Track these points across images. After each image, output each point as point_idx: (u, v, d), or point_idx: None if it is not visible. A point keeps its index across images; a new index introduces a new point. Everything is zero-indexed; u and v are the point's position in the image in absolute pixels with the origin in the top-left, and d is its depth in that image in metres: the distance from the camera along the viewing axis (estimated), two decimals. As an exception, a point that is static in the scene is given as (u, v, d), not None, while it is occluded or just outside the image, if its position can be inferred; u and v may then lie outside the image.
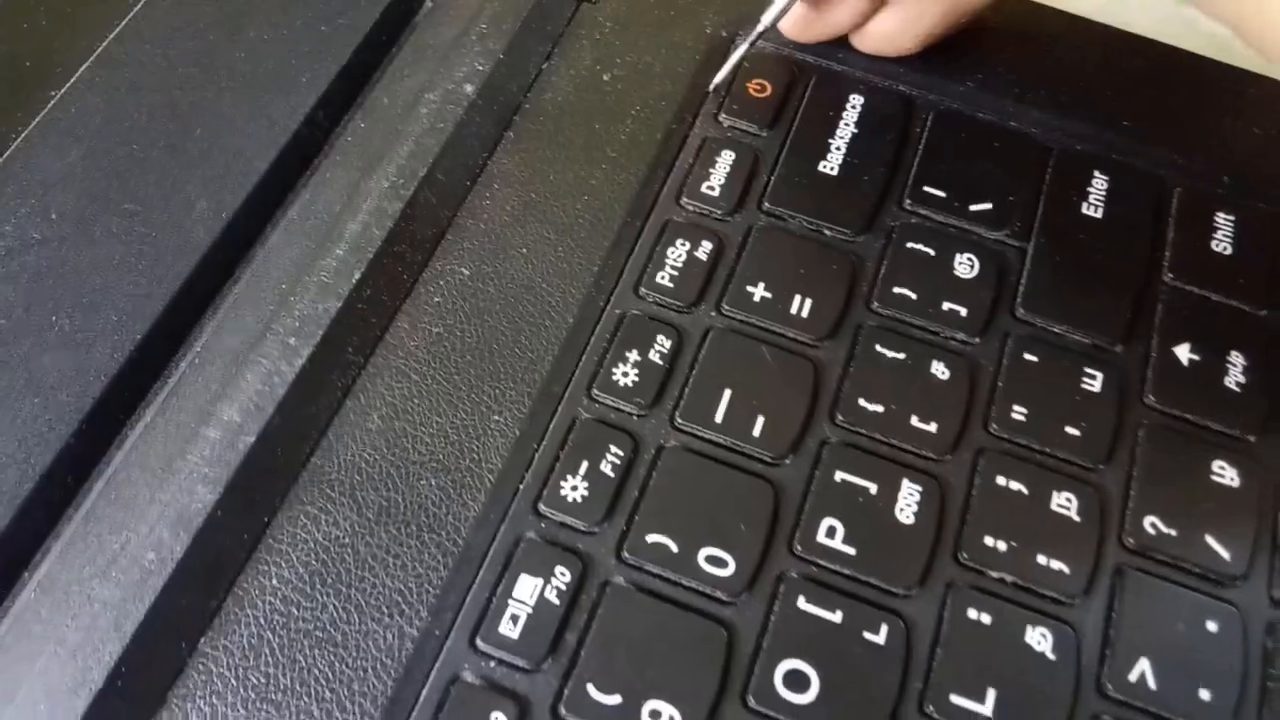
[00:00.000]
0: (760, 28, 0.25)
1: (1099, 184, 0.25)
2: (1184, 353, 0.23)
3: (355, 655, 0.19)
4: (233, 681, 0.19)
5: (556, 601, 0.19)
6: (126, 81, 0.25)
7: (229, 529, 0.19)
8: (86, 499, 0.20)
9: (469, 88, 0.25)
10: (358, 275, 0.22)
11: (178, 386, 0.21)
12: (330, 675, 0.19)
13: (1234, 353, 0.23)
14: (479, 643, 0.19)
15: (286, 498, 0.20)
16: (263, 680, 0.19)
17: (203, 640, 0.19)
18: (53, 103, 0.24)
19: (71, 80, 0.24)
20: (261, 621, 0.19)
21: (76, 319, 0.22)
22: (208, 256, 0.23)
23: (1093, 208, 0.25)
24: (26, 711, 0.18)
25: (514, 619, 0.19)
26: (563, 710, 0.18)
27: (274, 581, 0.19)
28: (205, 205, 0.24)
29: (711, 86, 0.26)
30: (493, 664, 0.19)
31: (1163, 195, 0.25)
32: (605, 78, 0.26)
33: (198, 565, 0.19)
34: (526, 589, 0.19)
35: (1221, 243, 0.24)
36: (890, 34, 0.26)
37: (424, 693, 0.18)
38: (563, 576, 0.19)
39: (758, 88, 0.26)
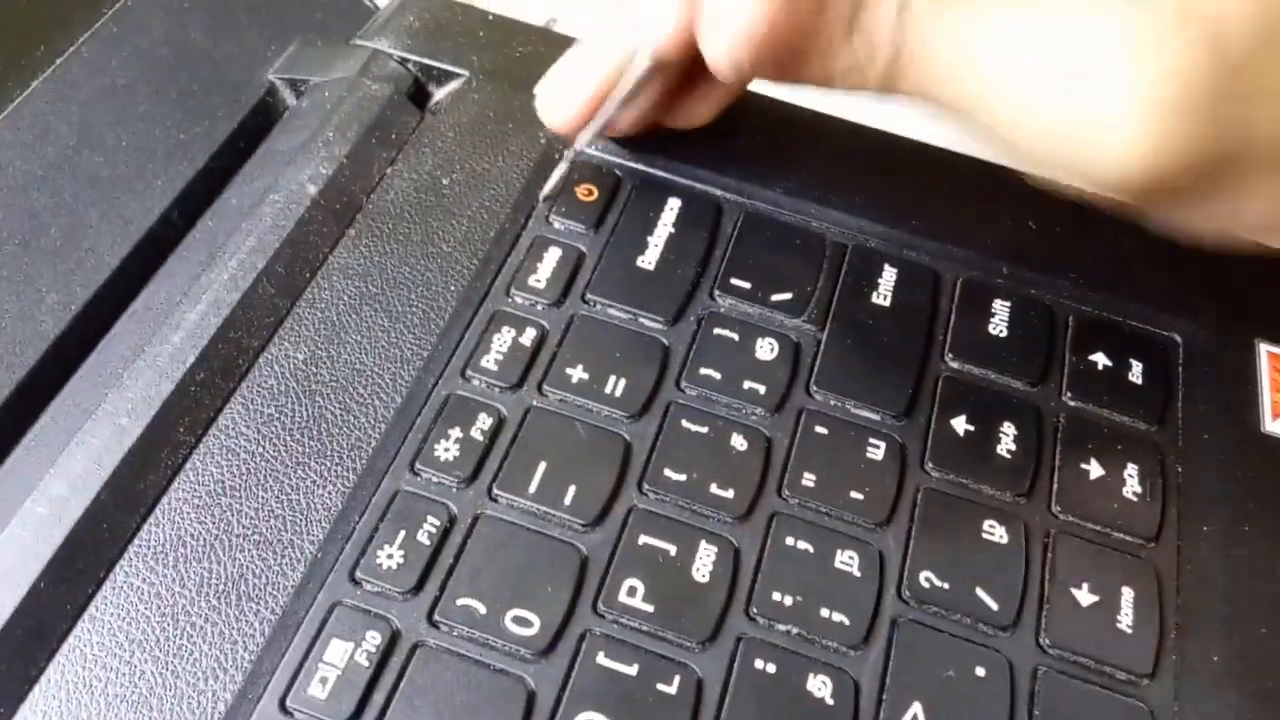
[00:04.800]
0: (577, 146, 0.28)
1: (888, 276, 0.28)
2: (960, 424, 0.25)
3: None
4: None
5: (365, 664, 0.20)
6: (-17, 182, 0.26)
7: (52, 599, 0.20)
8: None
9: (312, 188, 0.27)
10: (191, 359, 0.23)
11: (10, 465, 0.22)
12: (142, 738, 0.19)
13: (1006, 424, 0.26)
14: (288, 703, 0.20)
15: (112, 569, 0.21)
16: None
17: (22, 706, 0.20)
18: (-94, 201, 0.25)
19: (-73, 181, 0.25)
20: (81, 687, 0.20)
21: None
22: (54, 345, 0.24)
23: (882, 297, 0.27)
24: None
25: (323, 680, 0.20)
26: (366, 765, 0.19)
27: (94, 650, 0.20)
28: (55, 298, 0.25)
29: (542, 196, 0.28)
30: (302, 724, 0.20)
31: (942, 285, 0.28)
32: (445, 181, 0.29)
33: (19, 634, 0.20)
34: (337, 653, 0.20)
35: (997, 326, 0.27)
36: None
37: (234, 754, 0.19)
38: (373, 640, 0.21)
39: (585, 192, 0.29)
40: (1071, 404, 0.26)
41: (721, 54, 0.23)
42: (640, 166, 0.29)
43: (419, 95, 0.31)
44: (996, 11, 0.21)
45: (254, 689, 0.20)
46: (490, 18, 0.33)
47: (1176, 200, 0.22)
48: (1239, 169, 0.20)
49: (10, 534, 0.21)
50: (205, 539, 0.22)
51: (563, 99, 0.27)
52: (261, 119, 0.30)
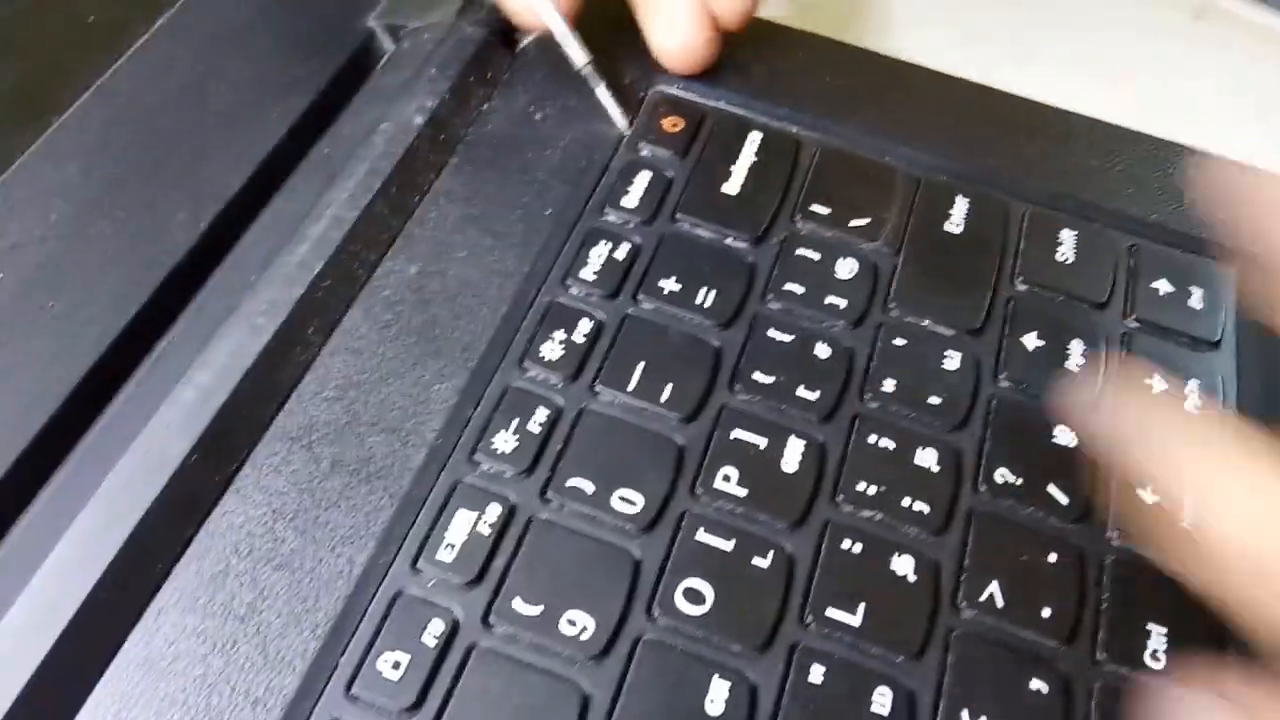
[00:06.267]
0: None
1: (959, 206, 0.29)
2: (1030, 339, 0.27)
3: (310, 578, 0.22)
4: (202, 599, 0.21)
5: (487, 533, 0.22)
6: (121, 110, 0.28)
7: (201, 473, 0.22)
8: (79, 445, 0.23)
9: (418, 120, 0.28)
10: (318, 268, 0.25)
11: (160, 356, 0.24)
12: (288, 593, 0.21)
13: (1073, 340, 0.27)
14: (420, 565, 0.22)
15: (253, 450, 0.23)
16: (228, 598, 0.21)
17: (177, 566, 0.22)
18: (55, 125, 0.27)
19: (73, 107, 0.28)
20: (229, 550, 0.22)
21: (70, 304, 0.25)
22: (186, 256, 0.26)
23: (954, 225, 0.29)
24: (18, 620, 0.20)
25: (450, 547, 0.22)
26: (491, 619, 0.21)
27: (240, 518, 0.22)
28: (185, 215, 0.27)
29: (626, 129, 0.30)
30: (431, 584, 0.22)
31: (1010, 216, 0.29)
32: (537, 116, 0.30)
33: (173, 501, 0.22)
34: (462, 523, 0.22)
35: (1064, 254, 0.29)
36: None
37: (371, 606, 0.21)
38: (494, 512, 0.22)
39: (672, 124, 0.30)
40: (1135, 325, 0.27)
41: None
42: (724, 105, 0.31)
43: (509, 39, 0.33)
44: None
45: (385, 554, 0.22)
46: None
47: None
48: None
49: (160, 416, 0.23)
50: (335, 425, 0.24)
51: None
52: (363, 60, 0.32)
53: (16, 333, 0.24)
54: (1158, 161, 0.31)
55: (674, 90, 0.31)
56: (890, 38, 0.39)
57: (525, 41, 0.33)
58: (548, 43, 0.32)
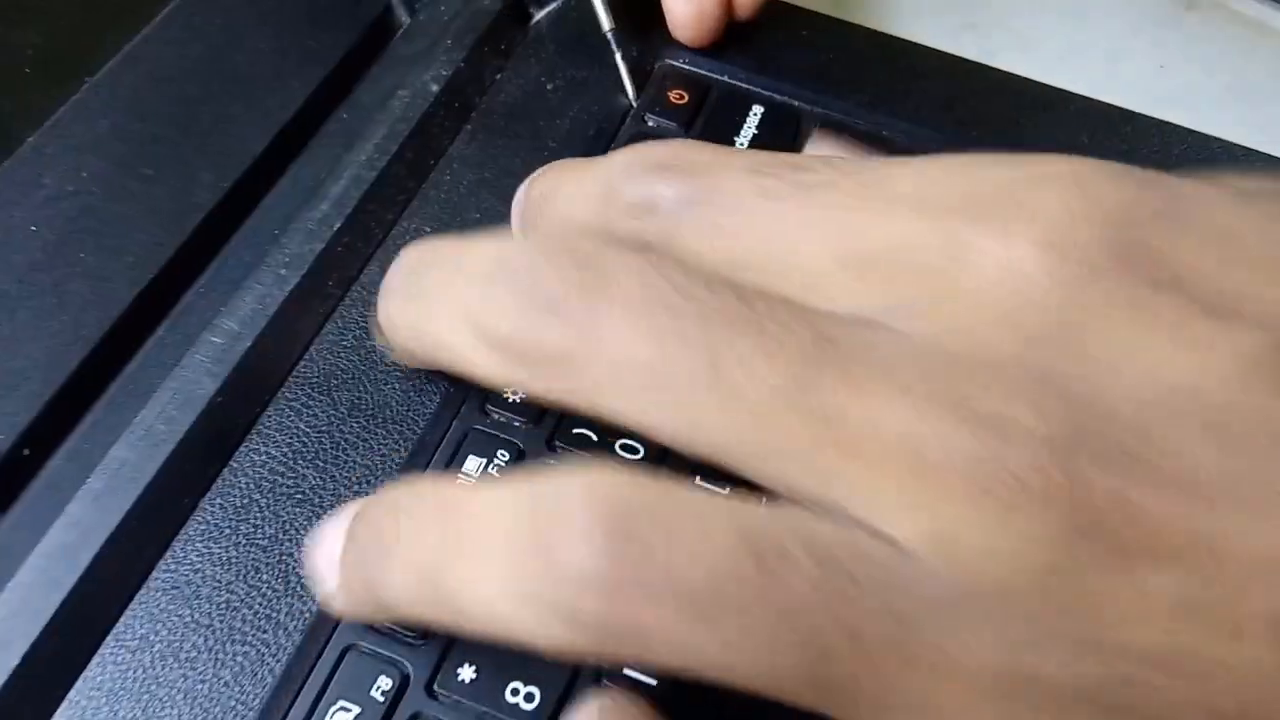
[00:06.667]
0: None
1: (952, 178, 0.30)
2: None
3: (329, 511, 0.23)
4: (227, 530, 0.22)
5: (496, 476, 0.23)
6: (148, 74, 0.29)
7: (227, 412, 0.24)
8: (111, 385, 0.24)
9: (434, 87, 0.30)
10: (338, 224, 0.26)
11: (187, 304, 0.25)
12: (308, 526, 0.23)
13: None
14: (432, 503, 0.23)
15: (276, 393, 0.24)
16: (251, 530, 0.22)
17: (204, 499, 0.23)
18: (86, 85, 0.28)
19: (103, 69, 0.29)
20: (252, 486, 0.23)
21: (100, 256, 0.26)
22: (212, 211, 0.27)
23: (947, 196, 0.30)
24: (55, 542, 0.21)
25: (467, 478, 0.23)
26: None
27: (263, 456, 0.24)
28: (210, 175, 0.28)
29: (633, 100, 0.31)
30: (443, 521, 0.23)
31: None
32: (549, 87, 0.32)
33: (201, 438, 0.23)
34: (472, 467, 0.24)
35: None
36: None
37: (386, 540, 0.22)
38: (503, 458, 0.24)
39: (678, 96, 0.32)
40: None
41: None
42: (727, 79, 0.32)
43: (522, 14, 0.34)
44: None
45: (400, 494, 0.23)
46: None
47: None
48: None
49: (190, 359, 0.24)
50: (353, 372, 0.25)
51: None
52: (380, 30, 0.33)
53: (50, 281, 0.25)
54: (1148, 138, 0.32)
55: (680, 64, 0.32)
56: (887, 24, 0.41)
57: (538, 16, 0.34)
58: (559, 16, 0.34)
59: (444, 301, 0.17)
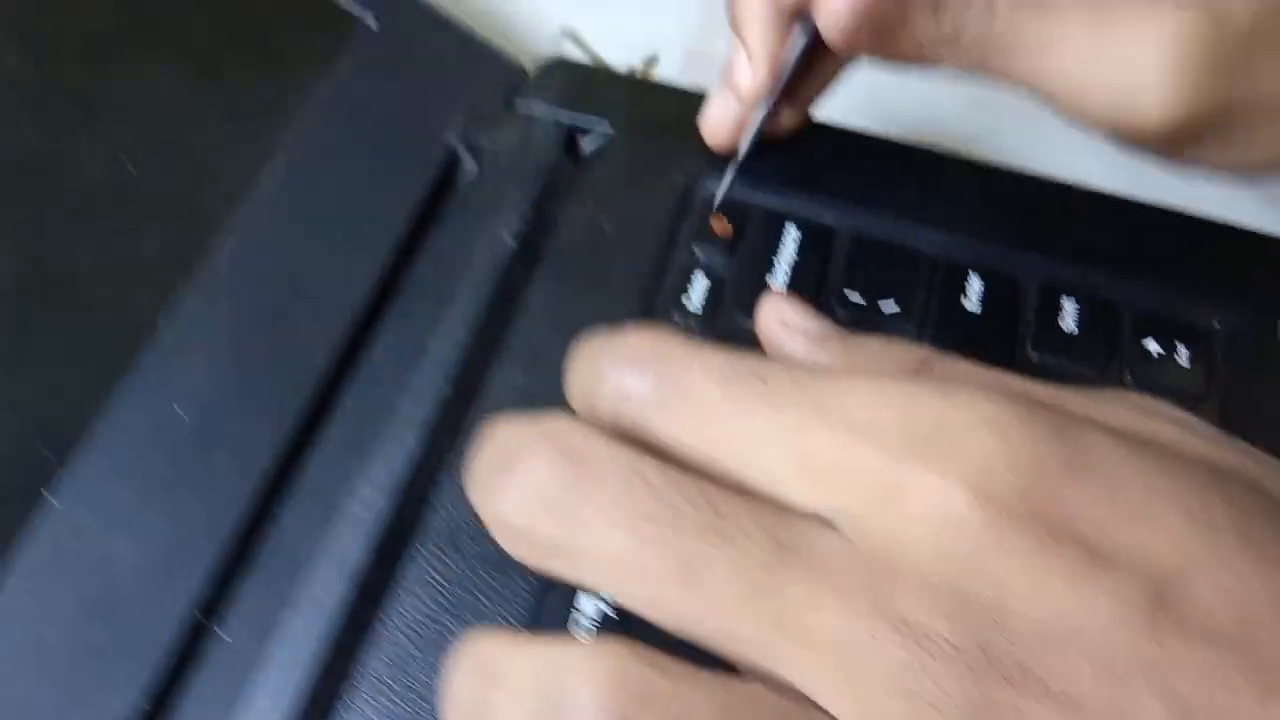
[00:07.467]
0: (740, 155, 0.34)
1: (974, 284, 0.34)
2: (1042, 405, 0.32)
3: (473, 657, 0.26)
4: (390, 683, 0.26)
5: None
6: (249, 252, 0.33)
7: (376, 574, 0.27)
8: (264, 553, 0.28)
9: (508, 239, 0.33)
10: (444, 385, 0.30)
11: (320, 470, 0.29)
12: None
13: (1078, 402, 0.32)
14: (560, 641, 0.27)
15: (409, 550, 0.28)
16: (411, 680, 0.26)
17: (365, 654, 0.26)
18: (201, 270, 0.32)
19: (214, 252, 0.32)
20: (406, 640, 0.27)
21: (238, 427, 0.29)
22: (326, 373, 0.31)
23: (972, 302, 0.34)
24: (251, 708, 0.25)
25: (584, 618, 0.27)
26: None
27: (411, 611, 0.27)
28: (319, 338, 0.32)
29: (716, 204, 0.35)
30: (571, 656, 0.27)
31: (1020, 288, 0.34)
32: (605, 224, 0.35)
33: (357, 601, 0.27)
34: (590, 609, 0.27)
35: (1068, 321, 0.33)
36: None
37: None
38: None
39: (718, 224, 0.35)
40: (1131, 385, 0.32)
41: (833, 18, 0.28)
42: (761, 202, 0.36)
43: (570, 148, 0.37)
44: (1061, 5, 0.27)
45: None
46: (623, 76, 0.39)
47: (1199, 146, 0.28)
48: (1249, 117, 0.27)
49: (337, 526, 0.28)
50: (475, 524, 0.29)
51: (718, 120, 0.34)
52: (447, 175, 0.36)
53: (197, 459, 0.29)
54: (1155, 228, 0.35)
55: (718, 188, 0.36)
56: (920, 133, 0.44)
57: (586, 147, 0.38)
58: (604, 149, 0.37)
59: (473, 488, 0.21)
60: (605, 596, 0.20)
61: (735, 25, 0.32)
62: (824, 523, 0.19)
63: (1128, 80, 0.27)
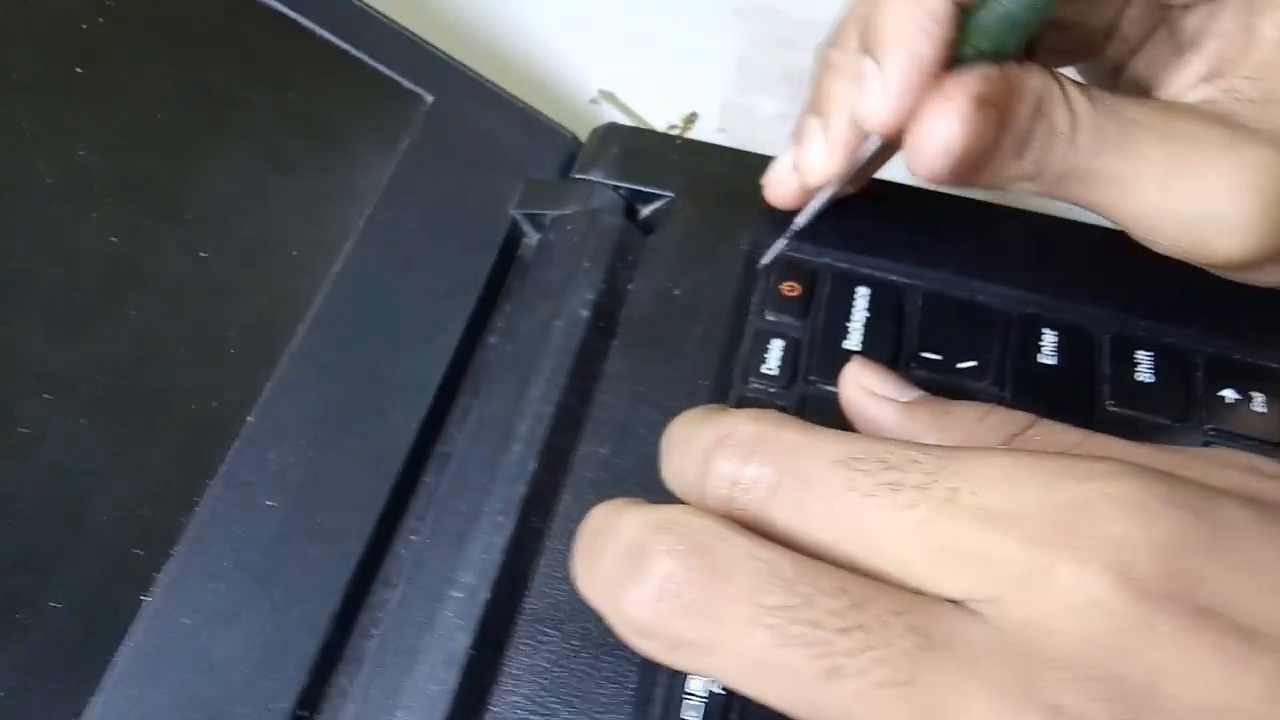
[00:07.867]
0: (797, 224, 0.34)
1: (1049, 338, 0.34)
2: (1127, 458, 0.32)
3: (585, 744, 0.26)
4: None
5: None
6: (328, 341, 0.33)
7: (482, 662, 0.27)
8: (369, 645, 0.27)
9: (584, 312, 0.33)
10: (533, 465, 0.30)
11: (418, 557, 0.28)
12: (571, 759, 0.26)
13: (1162, 454, 0.32)
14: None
15: (512, 634, 0.28)
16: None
17: (473, 745, 0.26)
18: (283, 360, 0.32)
19: (293, 341, 0.32)
20: (513, 725, 0.27)
21: (328, 517, 0.29)
22: (411, 455, 0.31)
23: (1047, 356, 0.34)
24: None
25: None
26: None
27: (518, 698, 0.27)
28: (401, 418, 0.32)
29: (760, 265, 0.35)
30: (683, 739, 0.26)
31: (1094, 341, 0.34)
32: (675, 292, 0.35)
33: (467, 690, 0.26)
34: (697, 686, 0.27)
35: (1143, 372, 0.34)
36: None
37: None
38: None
39: (789, 288, 0.35)
40: (1212, 433, 0.32)
41: (924, 161, 0.28)
42: (830, 262, 0.36)
43: (635, 217, 0.37)
44: (1140, 133, 0.27)
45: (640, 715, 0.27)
46: (676, 139, 0.40)
47: (1266, 273, 0.29)
48: None
49: (440, 616, 0.27)
50: (573, 603, 0.28)
51: (783, 186, 0.34)
52: (511, 248, 0.36)
53: (292, 551, 0.29)
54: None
55: (790, 251, 0.36)
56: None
57: (646, 213, 0.38)
58: (665, 215, 0.37)
59: (594, 587, 0.21)
60: (744, 694, 0.20)
61: (819, 110, 0.32)
62: (960, 609, 0.19)
63: (1203, 216, 0.27)
